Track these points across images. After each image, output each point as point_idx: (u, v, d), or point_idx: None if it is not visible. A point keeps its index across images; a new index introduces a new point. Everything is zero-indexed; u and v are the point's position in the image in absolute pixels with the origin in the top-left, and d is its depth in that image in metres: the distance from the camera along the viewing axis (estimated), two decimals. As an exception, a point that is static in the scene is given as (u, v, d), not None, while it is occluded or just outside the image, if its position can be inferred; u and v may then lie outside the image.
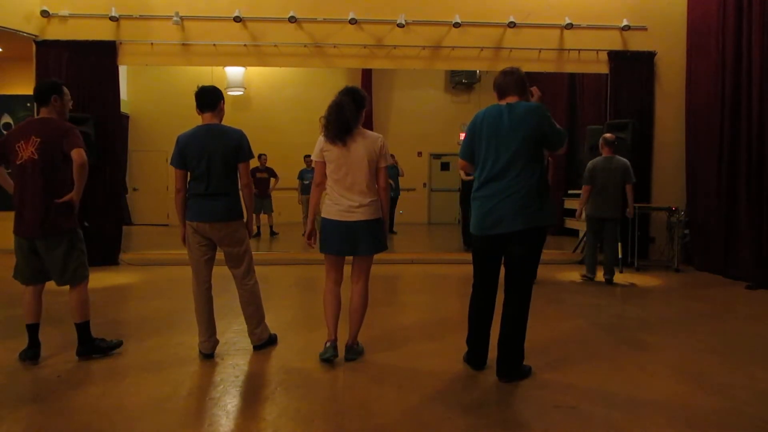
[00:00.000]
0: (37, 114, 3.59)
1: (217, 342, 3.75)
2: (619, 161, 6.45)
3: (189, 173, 3.64)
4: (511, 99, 3.30)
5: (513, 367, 3.28)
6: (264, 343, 3.84)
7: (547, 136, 3.23)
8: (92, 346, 3.65)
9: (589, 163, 6.57)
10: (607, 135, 6.64)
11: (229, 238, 3.66)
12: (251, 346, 3.89)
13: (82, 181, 3.49)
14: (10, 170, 3.61)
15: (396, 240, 10.92)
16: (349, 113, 3.44)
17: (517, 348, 3.27)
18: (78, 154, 3.44)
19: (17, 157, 3.47)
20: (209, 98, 3.64)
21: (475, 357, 3.46)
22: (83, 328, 3.62)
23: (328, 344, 3.58)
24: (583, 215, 6.68)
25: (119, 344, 3.79)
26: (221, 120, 3.73)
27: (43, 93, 3.56)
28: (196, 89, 3.68)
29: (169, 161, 3.73)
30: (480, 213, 3.26)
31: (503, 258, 3.33)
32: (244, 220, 3.77)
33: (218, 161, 3.56)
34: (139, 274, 7.09)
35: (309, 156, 10.59)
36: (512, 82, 3.32)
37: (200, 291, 3.70)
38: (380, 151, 3.54)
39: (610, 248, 6.53)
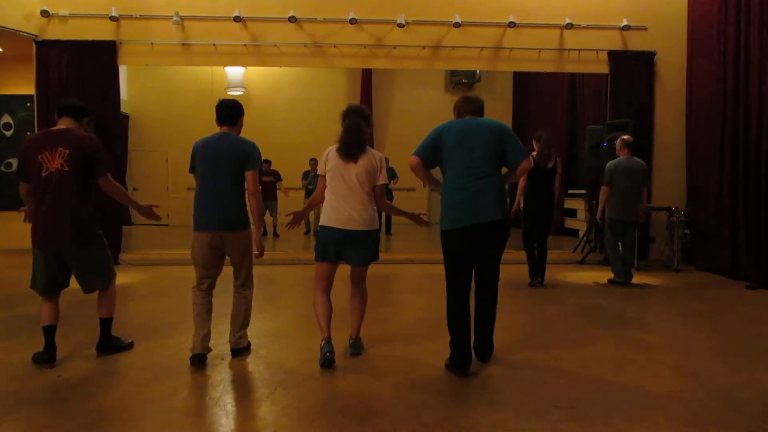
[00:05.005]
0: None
1: (209, 348, 3.61)
2: (639, 163, 6.41)
3: (199, 176, 3.64)
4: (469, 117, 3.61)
5: (492, 347, 3.67)
6: (242, 349, 3.75)
7: (508, 149, 3.51)
8: (111, 343, 3.75)
9: (610, 164, 6.46)
10: (626, 137, 6.57)
11: (234, 247, 3.65)
12: (251, 346, 3.89)
13: (123, 197, 3.67)
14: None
15: (396, 240, 10.92)
16: (365, 134, 3.63)
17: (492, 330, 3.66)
18: (105, 181, 3.56)
19: (42, 169, 3.41)
20: (229, 113, 3.68)
21: (465, 360, 3.44)
22: (107, 323, 3.71)
23: (322, 343, 3.55)
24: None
25: (132, 345, 3.90)
26: (239, 132, 3.74)
27: (81, 112, 3.65)
28: (217, 102, 3.70)
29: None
30: (460, 209, 3.45)
31: (474, 257, 3.55)
32: (251, 229, 3.73)
33: (226, 168, 3.57)
34: (139, 274, 7.09)
35: (314, 159, 10.54)
36: (473, 108, 3.63)
37: (199, 294, 3.66)
38: (380, 168, 3.66)
39: (629, 251, 6.49)
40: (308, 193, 10.79)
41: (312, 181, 10.63)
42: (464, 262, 3.53)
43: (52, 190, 3.41)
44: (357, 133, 3.58)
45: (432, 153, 3.54)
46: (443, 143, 3.51)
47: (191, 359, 3.51)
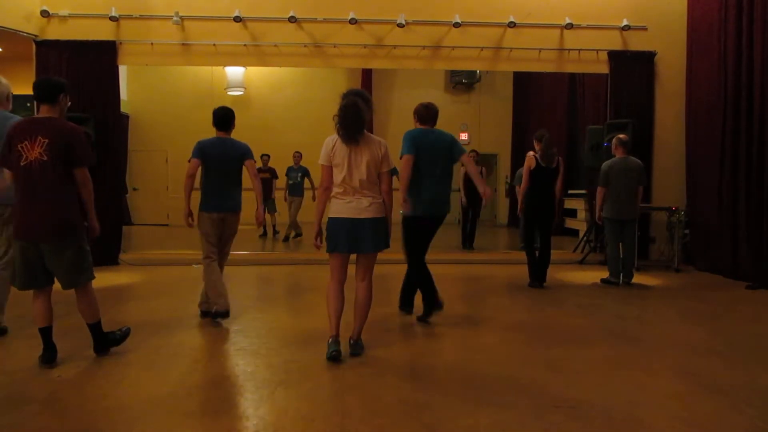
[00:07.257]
0: (38, 111, 3.48)
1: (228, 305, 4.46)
2: (635, 162, 6.40)
3: (206, 172, 4.52)
4: (429, 126, 4.64)
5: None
6: (223, 312, 4.43)
7: (455, 155, 4.68)
8: (107, 341, 3.70)
9: (604, 165, 6.47)
10: (621, 135, 6.56)
11: (230, 225, 4.62)
12: (252, 346, 3.92)
13: (88, 196, 3.49)
14: None
15: (396, 240, 10.88)
16: (364, 113, 3.56)
17: None
18: (81, 174, 3.42)
19: (21, 158, 3.35)
20: (226, 121, 4.60)
21: (435, 305, 4.68)
22: (96, 328, 3.63)
23: (330, 340, 3.58)
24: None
25: (128, 331, 3.88)
26: (231, 134, 4.67)
27: (51, 91, 3.46)
28: (216, 108, 4.61)
29: (190, 156, 4.52)
30: (429, 203, 4.57)
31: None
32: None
33: (227, 165, 4.55)
34: (139, 274, 7.09)
35: (298, 152, 10.40)
36: (433, 115, 4.65)
37: (209, 263, 4.55)
38: (383, 155, 3.63)
39: (629, 250, 6.47)
40: (290, 188, 10.48)
41: (291, 176, 10.38)
42: (422, 237, 4.71)
43: (31, 180, 3.34)
44: (354, 111, 3.50)
45: (416, 152, 4.48)
46: (419, 148, 4.48)
47: (214, 313, 4.41)
